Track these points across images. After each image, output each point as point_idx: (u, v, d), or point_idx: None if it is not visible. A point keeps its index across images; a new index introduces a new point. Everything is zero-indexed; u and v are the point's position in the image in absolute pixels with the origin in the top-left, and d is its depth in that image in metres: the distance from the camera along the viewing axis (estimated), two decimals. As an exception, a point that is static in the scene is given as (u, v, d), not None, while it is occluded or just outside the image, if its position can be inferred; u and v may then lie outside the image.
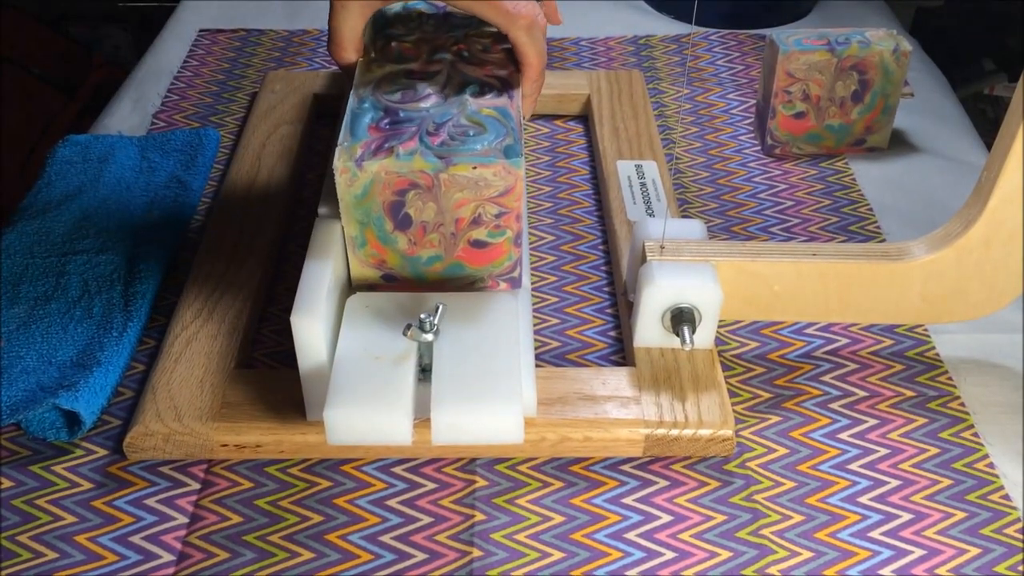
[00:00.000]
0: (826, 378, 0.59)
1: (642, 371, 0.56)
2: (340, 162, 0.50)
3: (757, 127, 0.80)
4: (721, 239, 0.69)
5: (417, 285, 0.54)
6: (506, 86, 0.55)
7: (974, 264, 0.55)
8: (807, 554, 0.50)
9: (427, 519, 0.51)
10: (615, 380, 0.55)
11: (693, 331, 0.55)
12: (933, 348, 0.61)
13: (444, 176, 0.50)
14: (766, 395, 0.58)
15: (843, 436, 0.56)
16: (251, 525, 0.51)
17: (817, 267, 0.56)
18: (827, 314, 0.58)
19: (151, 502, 0.52)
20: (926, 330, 0.62)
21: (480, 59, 0.58)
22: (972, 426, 0.56)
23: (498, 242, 0.52)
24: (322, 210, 0.55)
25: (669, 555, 0.49)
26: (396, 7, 0.63)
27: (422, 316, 0.49)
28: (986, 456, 0.54)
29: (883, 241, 0.69)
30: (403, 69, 0.57)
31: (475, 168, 0.50)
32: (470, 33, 0.60)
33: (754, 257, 0.56)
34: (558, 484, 0.53)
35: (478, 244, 0.52)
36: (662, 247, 0.56)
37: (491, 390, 0.47)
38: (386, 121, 0.53)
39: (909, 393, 0.58)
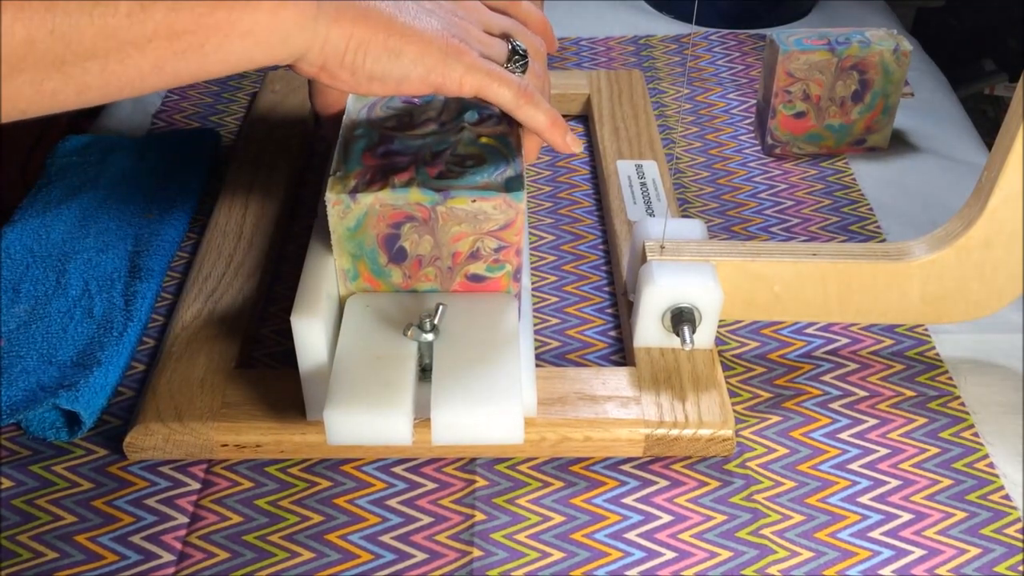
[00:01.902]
0: (826, 378, 0.59)
1: (642, 371, 0.56)
2: (332, 193, 0.48)
3: (757, 127, 0.80)
4: (721, 239, 0.69)
5: None
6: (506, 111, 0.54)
7: (974, 264, 0.55)
8: (807, 554, 0.50)
9: (427, 519, 0.51)
10: (615, 380, 0.55)
11: (693, 331, 0.55)
12: (933, 348, 0.61)
13: (442, 209, 0.48)
14: (766, 395, 0.58)
15: (843, 436, 0.56)
16: (251, 525, 0.51)
17: (817, 267, 0.56)
18: (827, 314, 0.58)
19: (151, 502, 0.52)
20: (926, 330, 0.62)
21: None
22: (972, 426, 0.56)
23: (496, 276, 0.51)
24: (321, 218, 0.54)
25: (669, 555, 0.49)
26: None
27: (422, 316, 0.49)
28: (986, 456, 0.54)
29: (883, 241, 0.69)
30: None
31: (474, 201, 0.48)
32: None
33: (754, 257, 0.56)
34: (558, 484, 0.53)
35: (476, 278, 0.51)
36: (662, 247, 0.56)
37: (491, 390, 0.47)
38: (381, 149, 0.51)
39: (909, 393, 0.58)
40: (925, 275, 0.56)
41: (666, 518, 0.51)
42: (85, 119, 0.86)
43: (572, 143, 0.52)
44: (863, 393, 0.58)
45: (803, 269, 0.56)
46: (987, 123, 1.52)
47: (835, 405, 0.57)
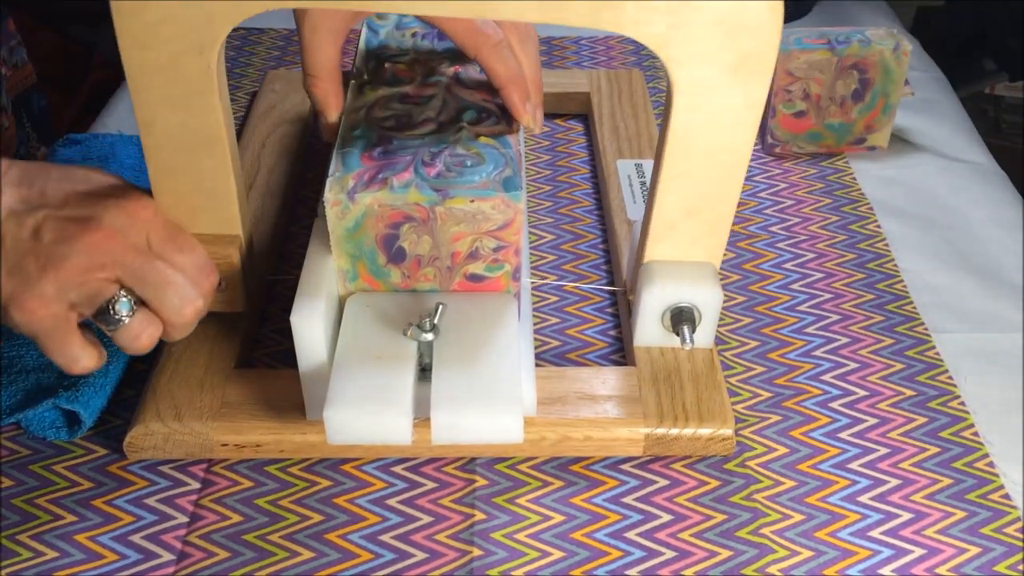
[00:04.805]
0: (826, 377, 0.59)
1: (642, 370, 0.56)
2: (331, 194, 0.48)
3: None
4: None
5: None
6: (505, 112, 0.54)
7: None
8: (807, 553, 0.50)
9: (427, 518, 0.51)
10: (615, 379, 0.55)
11: (693, 330, 0.55)
12: (933, 347, 0.61)
13: (440, 209, 0.48)
14: (766, 394, 0.58)
15: (843, 435, 0.56)
16: (251, 524, 0.51)
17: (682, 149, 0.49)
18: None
19: (151, 501, 0.52)
20: (926, 329, 0.62)
21: (477, 82, 0.56)
22: (972, 425, 0.56)
23: (496, 276, 0.51)
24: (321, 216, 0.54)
25: (669, 554, 0.49)
26: (388, 26, 0.62)
27: (422, 316, 0.49)
28: (986, 456, 0.54)
29: (880, 235, 0.69)
30: (397, 92, 0.55)
31: (473, 201, 0.48)
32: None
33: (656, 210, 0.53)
34: (558, 483, 0.53)
35: (475, 278, 0.51)
36: (627, 291, 0.57)
37: (491, 390, 0.47)
38: (379, 150, 0.51)
39: (909, 392, 0.58)
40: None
41: (666, 517, 0.51)
42: (85, 118, 0.86)
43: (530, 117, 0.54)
44: (863, 392, 0.58)
45: (694, 166, 0.50)
46: (987, 123, 1.51)
47: (835, 404, 0.57)
